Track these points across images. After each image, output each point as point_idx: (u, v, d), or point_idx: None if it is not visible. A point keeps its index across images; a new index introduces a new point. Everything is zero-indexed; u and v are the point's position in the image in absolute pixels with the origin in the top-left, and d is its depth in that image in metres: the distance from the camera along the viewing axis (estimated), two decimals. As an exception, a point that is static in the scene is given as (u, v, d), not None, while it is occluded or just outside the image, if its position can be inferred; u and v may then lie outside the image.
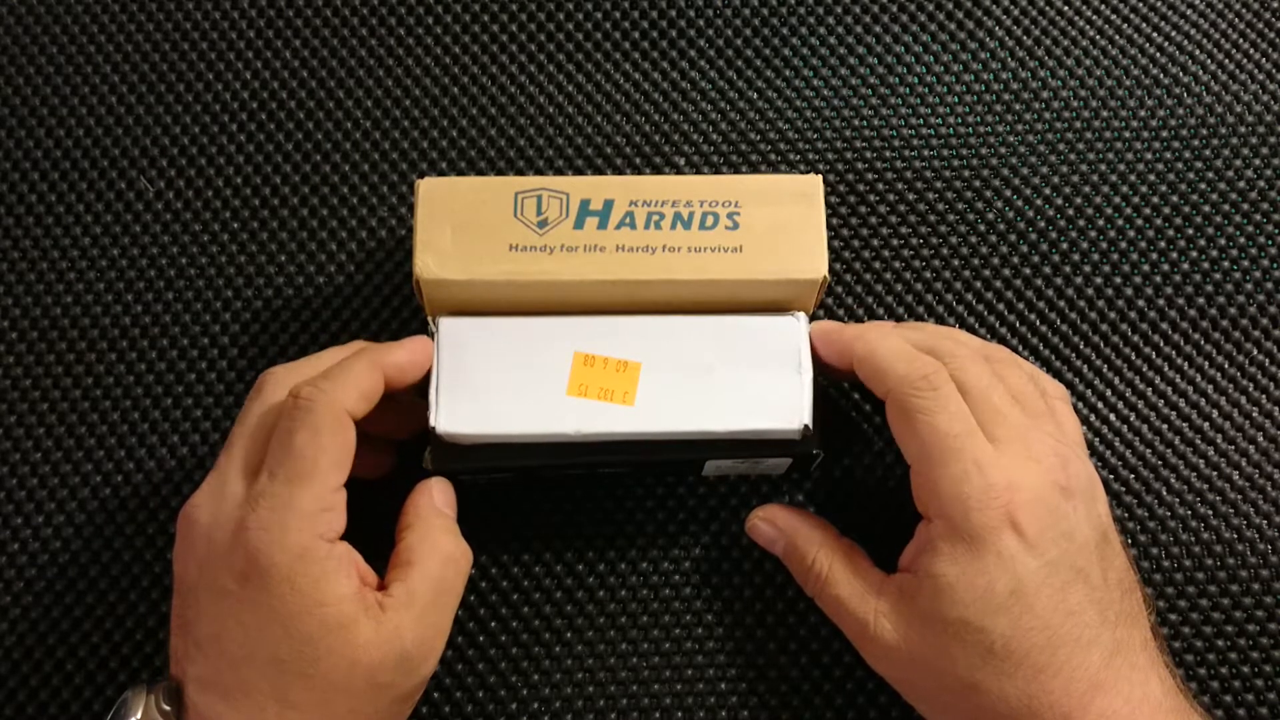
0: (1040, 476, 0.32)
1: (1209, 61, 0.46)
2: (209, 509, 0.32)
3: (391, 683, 0.32)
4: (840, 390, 0.42)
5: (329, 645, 0.31)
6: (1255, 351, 0.43)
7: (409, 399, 0.38)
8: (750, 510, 0.39)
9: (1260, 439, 0.42)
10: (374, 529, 0.35)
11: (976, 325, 0.43)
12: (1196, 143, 0.45)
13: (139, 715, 0.31)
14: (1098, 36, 0.47)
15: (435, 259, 0.35)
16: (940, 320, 0.43)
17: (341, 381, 0.33)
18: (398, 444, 0.39)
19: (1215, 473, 0.42)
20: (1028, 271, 0.44)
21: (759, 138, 0.45)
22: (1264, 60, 0.47)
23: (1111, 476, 0.41)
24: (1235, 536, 0.41)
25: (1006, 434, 0.33)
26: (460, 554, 0.35)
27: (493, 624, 0.40)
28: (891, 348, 0.35)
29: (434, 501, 0.35)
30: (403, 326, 0.42)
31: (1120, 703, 0.31)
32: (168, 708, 0.31)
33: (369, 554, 0.34)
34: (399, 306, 0.43)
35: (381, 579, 0.33)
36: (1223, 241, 0.44)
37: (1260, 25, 0.47)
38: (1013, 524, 0.32)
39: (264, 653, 0.31)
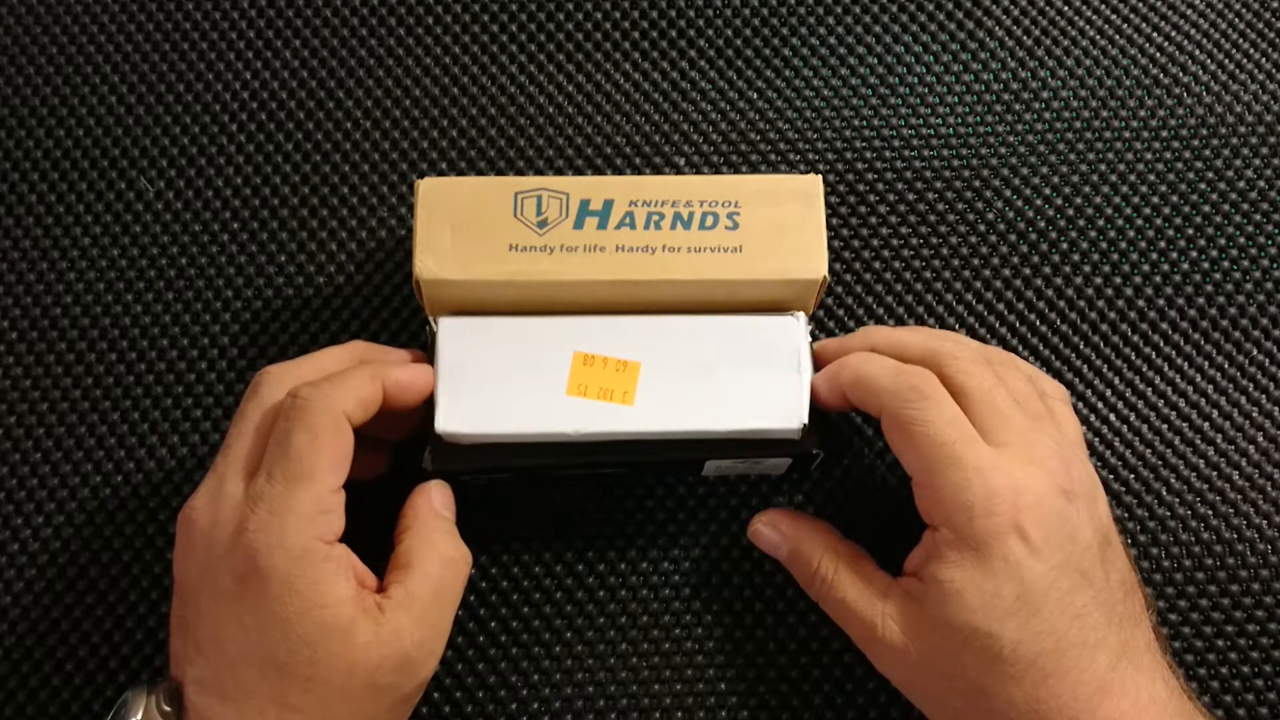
0: (1043, 480, 0.32)
1: (1209, 61, 0.46)
2: (208, 510, 0.32)
3: (392, 685, 0.32)
4: (840, 390, 0.42)
5: (328, 647, 0.31)
6: (1255, 351, 0.43)
7: None
8: (750, 511, 0.39)
9: (1260, 439, 0.42)
10: (372, 531, 0.35)
11: (976, 325, 0.43)
12: (1196, 143, 0.45)
13: (139, 716, 0.31)
14: (1098, 36, 0.47)
15: (435, 259, 0.35)
16: (940, 320, 0.43)
17: (341, 386, 0.33)
18: (395, 445, 0.39)
19: (1215, 473, 0.42)
20: (1028, 271, 0.44)
21: (759, 138, 0.45)
22: (1264, 60, 0.47)
23: (1111, 476, 0.41)
24: (1235, 536, 0.41)
25: (1009, 437, 0.33)
26: (459, 556, 0.35)
27: (493, 624, 0.40)
28: (876, 366, 0.35)
29: (433, 504, 0.35)
30: (402, 327, 0.42)
31: (1128, 705, 0.31)
32: (168, 708, 0.31)
33: (367, 556, 0.34)
34: (399, 306, 0.43)
35: (380, 581, 0.33)
36: (1223, 241, 0.44)
37: (1260, 25, 0.47)
38: (1018, 529, 0.32)
39: (263, 654, 0.31)
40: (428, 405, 0.35)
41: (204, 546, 0.32)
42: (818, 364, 0.37)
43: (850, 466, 0.41)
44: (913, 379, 0.34)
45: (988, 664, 0.32)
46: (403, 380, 0.35)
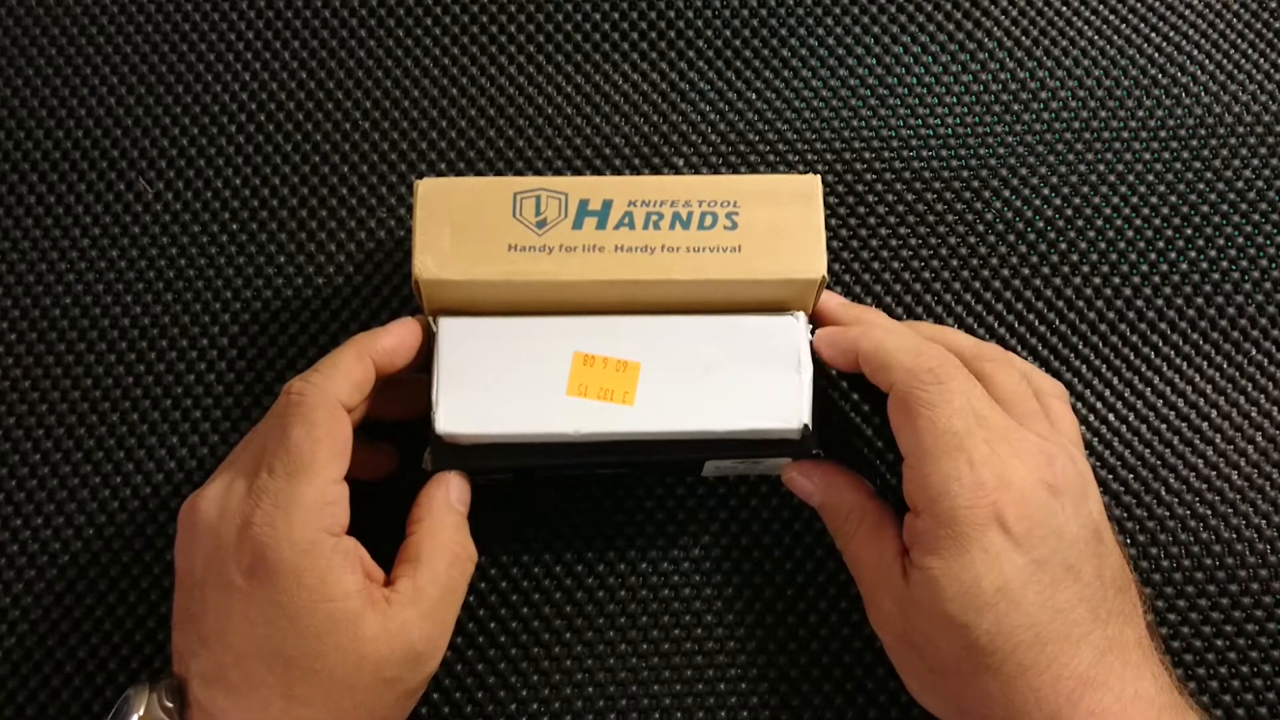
0: (1027, 475, 0.32)
1: (1209, 62, 0.46)
2: (216, 503, 0.32)
3: (397, 678, 0.32)
4: (840, 390, 0.42)
5: (336, 640, 0.31)
6: (1255, 351, 0.43)
7: (412, 376, 0.38)
8: (750, 511, 0.39)
9: (1260, 438, 0.42)
10: (378, 530, 0.35)
11: (976, 325, 0.43)
12: (1196, 143, 0.45)
13: (141, 713, 0.31)
14: (1097, 37, 0.47)
15: (434, 260, 0.35)
16: (939, 320, 0.43)
17: (332, 373, 0.33)
18: (399, 445, 0.39)
19: (1215, 472, 0.42)
20: (1027, 271, 0.44)
21: (758, 138, 0.45)
22: (1264, 60, 0.47)
23: (1111, 476, 0.41)
24: (1235, 536, 0.41)
25: (989, 436, 0.33)
26: (466, 554, 0.35)
27: (492, 624, 0.40)
28: (898, 342, 0.35)
29: (449, 497, 0.35)
30: (402, 327, 0.42)
31: (1111, 700, 0.31)
32: (170, 705, 0.31)
33: (374, 551, 0.34)
34: (399, 307, 0.43)
35: (387, 575, 0.34)
36: (1222, 241, 0.44)
37: (1260, 25, 0.47)
38: (999, 521, 0.32)
39: (270, 647, 0.31)
40: (428, 407, 0.35)
41: (210, 539, 0.32)
42: (818, 324, 0.37)
43: (850, 466, 0.41)
44: (930, 362, 0.33)
45: (964, 653, 0.32)
46: (389, 346, 0.35)
